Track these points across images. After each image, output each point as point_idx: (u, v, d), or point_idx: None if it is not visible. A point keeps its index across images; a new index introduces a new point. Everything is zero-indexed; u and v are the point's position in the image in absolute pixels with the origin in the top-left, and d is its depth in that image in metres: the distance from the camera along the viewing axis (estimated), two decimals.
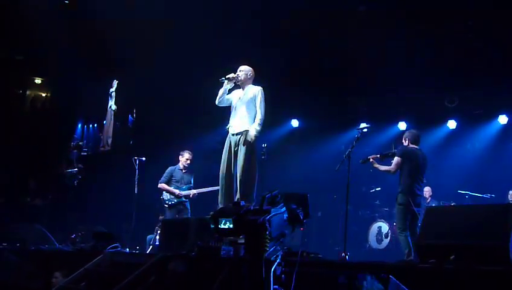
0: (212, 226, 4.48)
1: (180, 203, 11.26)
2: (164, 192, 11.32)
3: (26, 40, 13.72)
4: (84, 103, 15.82)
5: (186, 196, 11.28)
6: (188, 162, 11.43)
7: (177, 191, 11.21)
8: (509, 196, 11.93)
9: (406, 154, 9.32)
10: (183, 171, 11.45)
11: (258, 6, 11.59)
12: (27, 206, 13.60)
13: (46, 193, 14.10)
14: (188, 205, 11.34)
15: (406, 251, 8.88)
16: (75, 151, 14.23)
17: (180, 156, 11.50)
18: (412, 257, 8.72)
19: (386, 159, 9.82)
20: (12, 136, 14.99)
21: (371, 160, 9.78)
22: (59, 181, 13.83)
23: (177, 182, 11.36)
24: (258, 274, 4.06)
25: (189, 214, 11.16)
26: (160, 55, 12.83)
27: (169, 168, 11.50)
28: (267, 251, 4.16)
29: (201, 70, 12.57)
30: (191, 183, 11.43)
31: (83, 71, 13.89)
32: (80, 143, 13.67)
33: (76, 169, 13.47)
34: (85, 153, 15.56)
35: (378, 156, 9.89)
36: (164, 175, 11.41)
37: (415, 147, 9.48)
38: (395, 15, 11.48)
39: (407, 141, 9.54)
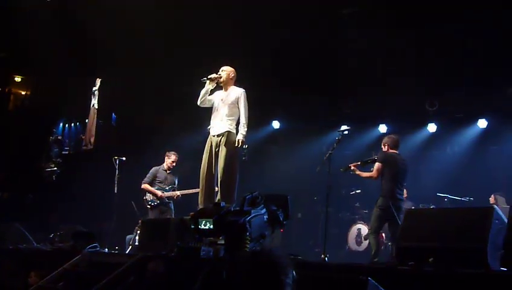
0: (193, 226, 4.46)
1: (163, 204, 11.20)
2: (147, 192, 11.26)
3: (7, 37, 13.60)
4: (66, 102, 15.69)
5: (169, 197, 11.22)
6: (174, 164, 11.37)
7: (159, 193, 11.14)
8: (490, 200, 12.03)
9: (386, 159, 9.42)
10: (168, 172, 11.39)
11: (241, 7, 11.58)
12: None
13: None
14: (171, 206, 11.28)
15: (373, 252, 9.09)
16: (55, 146, 14.08)
17: (166, 157, 11.42)
18: (376, 259, 8.89)
19: (366, 165, 9.90)
20: None
21: (352, 168, 9.84)
22: (38, 176, 13.71)
23: (160, 182, 11.30)
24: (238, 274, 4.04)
25: (172, 215, 11.09)
26: (144, 53, 12.78)
27: (153, 169, 11.43)
28: (247, 250, 4.15)
29: (184, 70, 12.54)
30: (174, 185, 11.37)
31: (65, 69, 13.80)
32: (59, 138, 13.50)
33: (55, 167, 13.36)
34: (67, 152, 15.45)
35: (359, 163, 9.96)
36: (148, 175, 11.34)
37: (395, 152, 9.59)
38: (377, 18, 11.52)
39: (386, 147, 9.65)
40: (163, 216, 11.02)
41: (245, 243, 4.14)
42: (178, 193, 11.20)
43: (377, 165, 9.41)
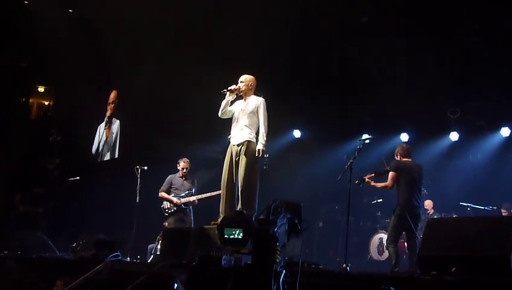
0: (219, 236, 4.43)
1: (180, 211, 11.24)
2: (164, 201, 11.33)
3: (31, 47, 13.75)
4: (86, 111, 15.77)
5: (186, 203, 11.26)
6: (184, 170, 11.42)
7: (175, 199, 11.21)
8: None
9: (400, 168, 9.42)
10: (183, 178, 11.44)
11: (260, 13, 11.61)
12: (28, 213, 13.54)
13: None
14: (190, 211, 11.31)
15: (393, 262, 9.04)
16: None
17: (177, 164, 11.52)
18: (397, 269, 8.86)
19: (381, 177, 9.89)
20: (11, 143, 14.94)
21: (367, 180, 9.82)
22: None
23: (176, 189, 11.36)
24: (268, 285, 4.03)
25: (192, 221, 11.14)
26: (162, 62, 12.84)
27: (169, 177, 11.51)
28: (277, 261, 4.13)
29: (203, 79, 12.58)
30: (191, 190, 11.40)
31: (86, 79, 13.92)
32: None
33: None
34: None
35: (373, 174, 9.94)
36: (164, 183, 11.42)
37: (408, 160, 9.57)
38: (398, 25, 11.49)
39: (399, 156, 9.67)
40: (181, 223, 11.07)
41: (276, 253, 4.11)
42: (194, 198, 11.23)
43: (391, 174, 9.42)
